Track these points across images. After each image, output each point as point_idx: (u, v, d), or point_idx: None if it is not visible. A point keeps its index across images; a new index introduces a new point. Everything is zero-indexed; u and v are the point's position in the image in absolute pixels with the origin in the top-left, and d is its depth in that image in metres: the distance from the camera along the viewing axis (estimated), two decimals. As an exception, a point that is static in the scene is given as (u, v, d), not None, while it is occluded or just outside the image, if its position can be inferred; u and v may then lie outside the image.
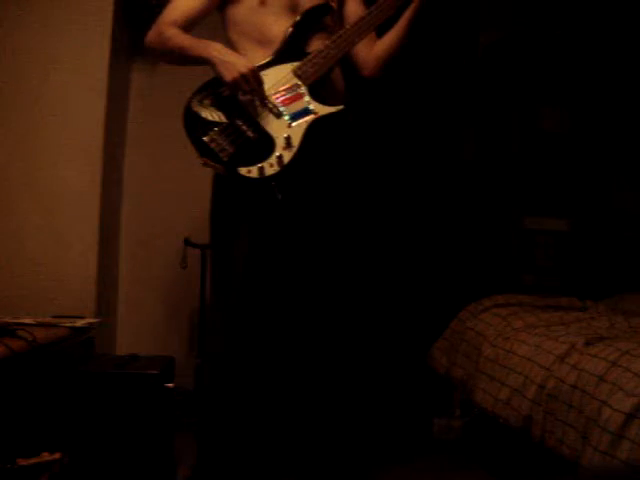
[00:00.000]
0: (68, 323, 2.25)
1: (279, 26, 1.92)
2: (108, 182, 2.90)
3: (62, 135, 2.73)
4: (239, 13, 1.96)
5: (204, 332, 3.03)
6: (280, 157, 1.84)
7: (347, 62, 2.07)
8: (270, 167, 1.83)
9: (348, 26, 1.95)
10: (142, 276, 3.23)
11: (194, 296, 3.14)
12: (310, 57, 1.90)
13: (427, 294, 3.30)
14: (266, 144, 1.85)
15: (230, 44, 1.97)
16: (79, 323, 2.29)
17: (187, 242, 3.09)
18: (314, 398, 2.00)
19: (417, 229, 3.36)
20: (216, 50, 1.86)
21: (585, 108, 3.49)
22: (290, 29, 1.91)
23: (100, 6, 2.77)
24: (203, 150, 1.84)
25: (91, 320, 2.40)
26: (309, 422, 2.01)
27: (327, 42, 1.91)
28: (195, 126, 1.86)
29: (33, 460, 1.66)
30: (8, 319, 2.12)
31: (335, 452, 2.02)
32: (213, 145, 1.83)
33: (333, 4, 2.00)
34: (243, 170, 1.83)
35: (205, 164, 1.85)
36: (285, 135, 1.85)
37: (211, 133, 1.84)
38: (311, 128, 1.87)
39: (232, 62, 1.83)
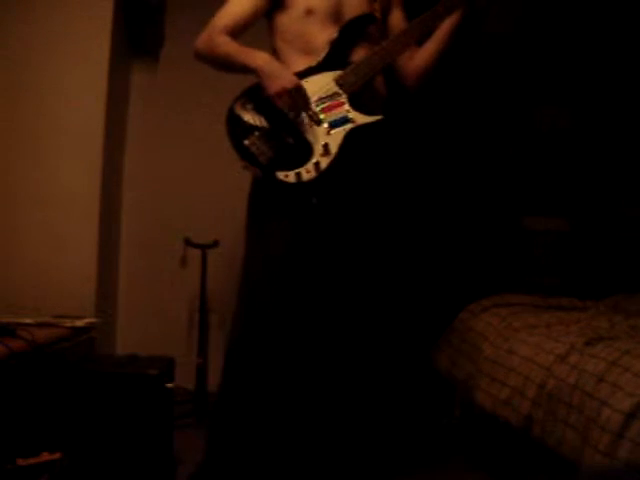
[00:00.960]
0: (68, 323, 2.25)
1: (323, 35, 1.95)
2: (108, 182, 2.90)
3: (62, 135, 2.73)
4: (285, 21, 1.99)
5: (204, 332, 3.04)
6: (317, 163, 1.88)
7: (392, 72, 2.11)
8: (307, 173, 1.87)
9: (391, 37, 1.99)
10: (142, 276, 3.24)
11: (194, 296, 3.14)
12: (352, 66, 1.94)
13: (428, 294, 3.30)
14: (304, 150, 1.89)
15: (275, 51, 2.01)
16: (79, 323, 2.29)
17: (187, 242, 3.10)
18: (322, 399, 2.01)
19: (419, 231, 3.36)
20: (262, 60, 1.90)
21: (585, 107, 3.49)
22: (334, 38, 1.94)
23: (100, 6, 2.77)
24: (243, 153, 1.89)
25: (91, 320, 2.40)
26: (317, 423, 2.02)
27: (370, 52, 1.95)
28: (237, 129, 1.91)
29: (33, 460, 1.65)
30: (8, 319, 2.12)
31: (338, 452, 2.03)
32: (253, 149, 1.88)
33: (377, 14, 2.03)
34: (281, 174, 1.87)
35: (245, 167, 1.90)
36: (323, 142, 1.89)
37: (252, 137, 1.89)
38: (349, 136, 1.91)
39: (278, 76, 1.87)
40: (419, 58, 2.09)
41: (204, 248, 3.06)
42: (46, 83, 2.72)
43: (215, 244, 3.07)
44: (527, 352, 2.13)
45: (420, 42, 2.07)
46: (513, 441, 2.13)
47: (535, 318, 2.47)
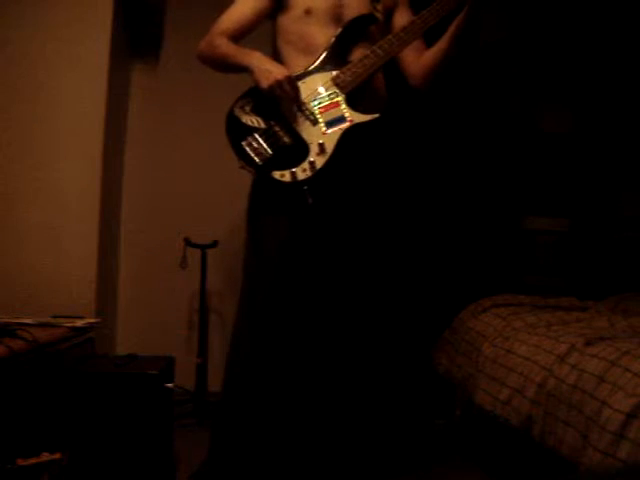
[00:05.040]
0: (68, 323, 2.24)
1: (323, 35, 1.97)
2: (108, 182, 2.90)
3: (62, 135, 2.73)
4: (286, 22, 2.02)
5: (204, 332, 3.03)
6: (313, 162, 1.89)
7: (398, 71, 2.11)
8: (302, 172, 1.89)
9: (389, 36, 1.98)
10: (142, 276, 3.24)
11: (194, 296, 3.14)
12: (349, 66, 1.95)
13: (428, 294, 3.30)
14: (301, 149, 1.91)
15: (277, 52, 2.04)
16: (79, 323, 2.29)
17: (187, 242, 3.09)
18: (322, 399, 2.02)
19: (419, 230, 3.36)
20: (255, 58, 1.94)
21: (586, 108, 3.49)
22: (333, 38, 1.96)
23: (100, 6, 2.77)
24: (241, 153, 1.91)
25: (91, 320, 2.40)
26: (317, 423, 2.02)
27: (367, 51, 1.95)
28: (235, 130, 1.94)
29: (33, 460, 1.65)
30: (8, 319, 2.12)
31: (338, 453, 2.03)
32: (250, 149, 1.91)
33: (379, 15, 2.03)
34: (277, 174, 1.89)
35: (242, 167, 1.93)
36: (320, 141, 1.91)
37: (249, 137, 1.92)
38: (345, 135, 1.91)
39: (268, 69, 1.90)
40: (426, 58, 2.07)
41: (204, 248, 3.06)
42: (46, 83, 2.72)
43: (215, 244, 3.07)
44: (527, 352, 2.13)
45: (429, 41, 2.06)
46: (513, 441, 2.13)
47: (535, 318, 2.47)
